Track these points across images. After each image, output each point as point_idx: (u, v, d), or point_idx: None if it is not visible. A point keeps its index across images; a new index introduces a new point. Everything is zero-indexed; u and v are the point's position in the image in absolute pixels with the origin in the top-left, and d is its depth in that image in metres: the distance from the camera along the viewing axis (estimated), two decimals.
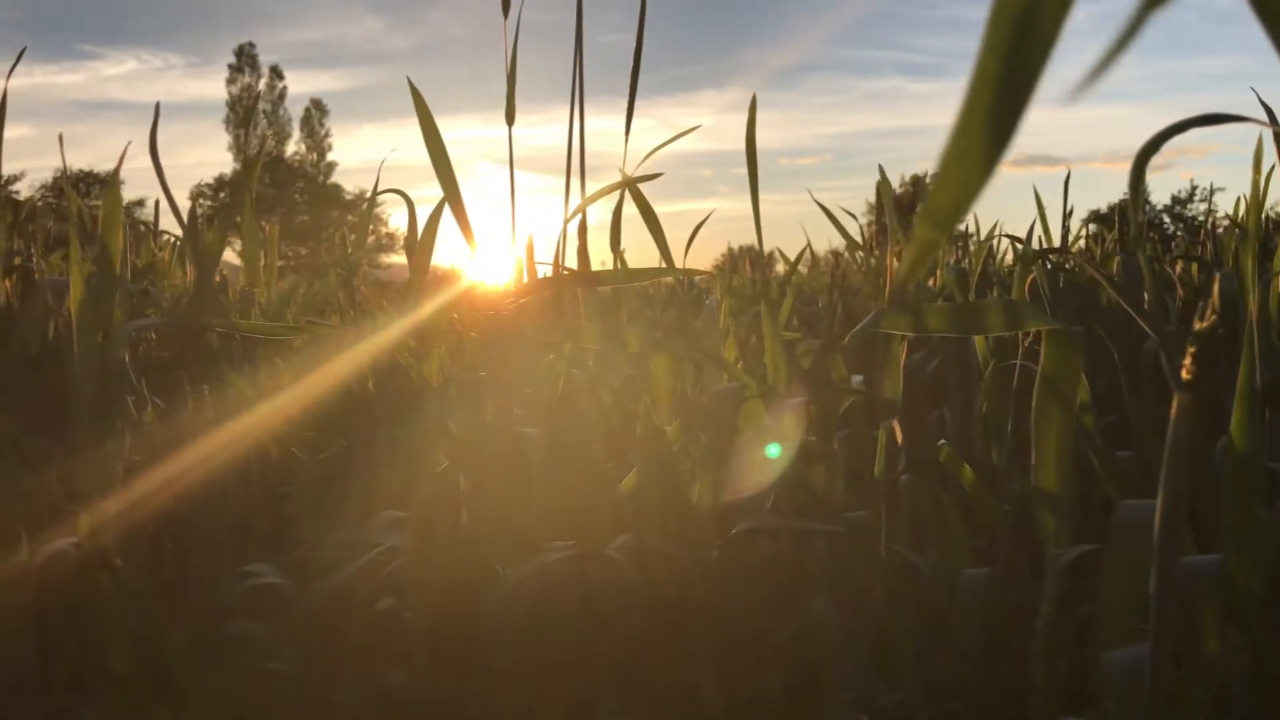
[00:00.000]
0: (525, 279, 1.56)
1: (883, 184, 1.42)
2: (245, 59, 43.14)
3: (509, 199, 1.59)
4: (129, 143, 1.17)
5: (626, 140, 1.52)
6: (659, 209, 1.65)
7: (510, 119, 1.54)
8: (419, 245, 1.69)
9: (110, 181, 1.05)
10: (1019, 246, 2.76)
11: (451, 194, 1.37)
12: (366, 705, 1.23)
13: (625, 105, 1.47)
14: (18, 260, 2.17)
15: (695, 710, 1.10)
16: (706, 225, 2.45)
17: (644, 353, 1.64)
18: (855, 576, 1.14)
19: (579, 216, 1.47)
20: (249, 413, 1.29)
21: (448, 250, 2.07)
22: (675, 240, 1.72)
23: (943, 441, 1.32)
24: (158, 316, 1.80)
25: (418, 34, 62.12)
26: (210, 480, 1.29)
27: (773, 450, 1.27)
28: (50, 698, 0.87)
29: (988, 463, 1.52)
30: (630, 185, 1.56)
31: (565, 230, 1.34)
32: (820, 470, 1.24)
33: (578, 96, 1.38)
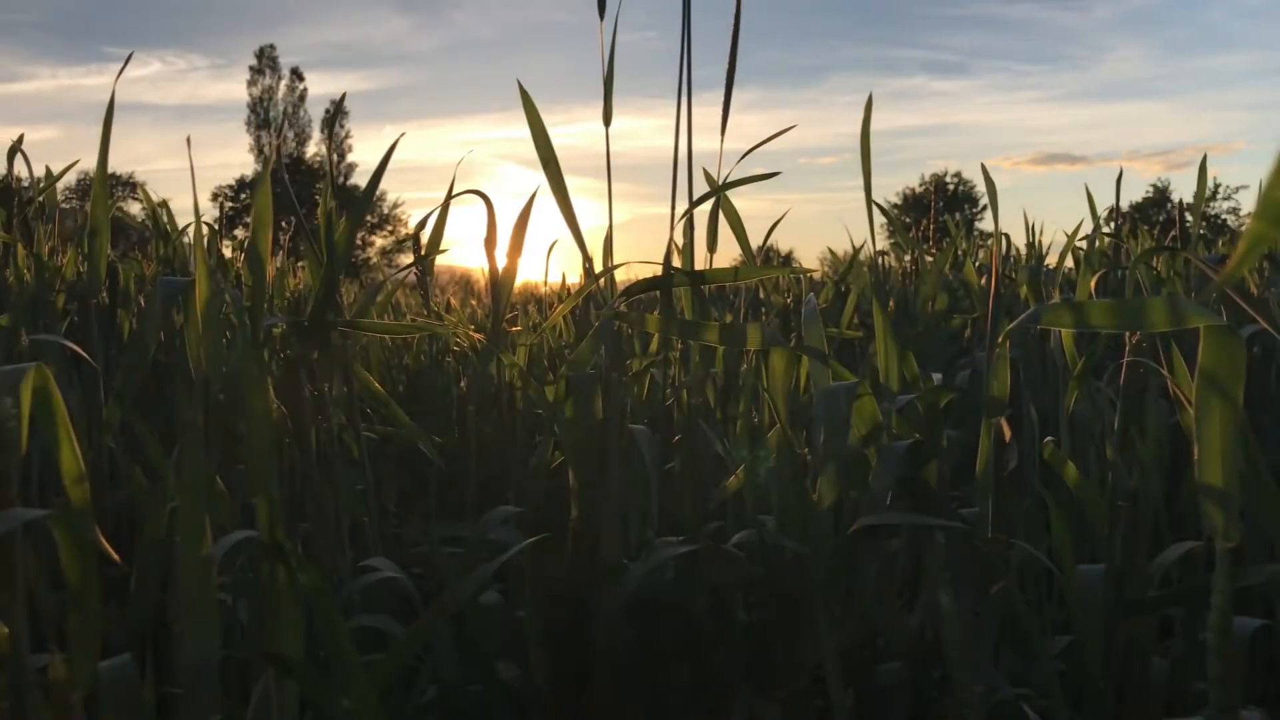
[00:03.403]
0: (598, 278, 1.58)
1: (989, 183, 1.43)
2: (266, 61, 43.45)
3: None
4: (277, 145, 1.20)
5: (722, 140, 1.53)
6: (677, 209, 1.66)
7: (607, 120, 1.56)
8: (510, 245, 1.72)
9: (260, 183, 1.08)
10: (1081, 247, 2.76)
11: (559, 192, 1.39)
12: (485, 697, 1.25)
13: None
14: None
15: (822, 703, 1.11)
16: (724, 226, 2.46)
17: (726, 350, 1.65)
18: (975, 571, 1.15)
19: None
20: (361, 409, 1.31)
21: (462, 251, 2.11)
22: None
23: (1049, 439, 1.33)
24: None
25: (442, 34, 62.36)
26: (328, 474, 1.32)
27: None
28: (229, 682, 0.89)
29: (1082, 459, 1.52)
30: (721, 191, 1.58)
31: (673, 230, 1.35)
32: (932, 466, 1.25)
33: (685, 101, 1.39)
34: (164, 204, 2.56)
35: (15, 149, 2.25)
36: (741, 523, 1.39)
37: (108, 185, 1.56)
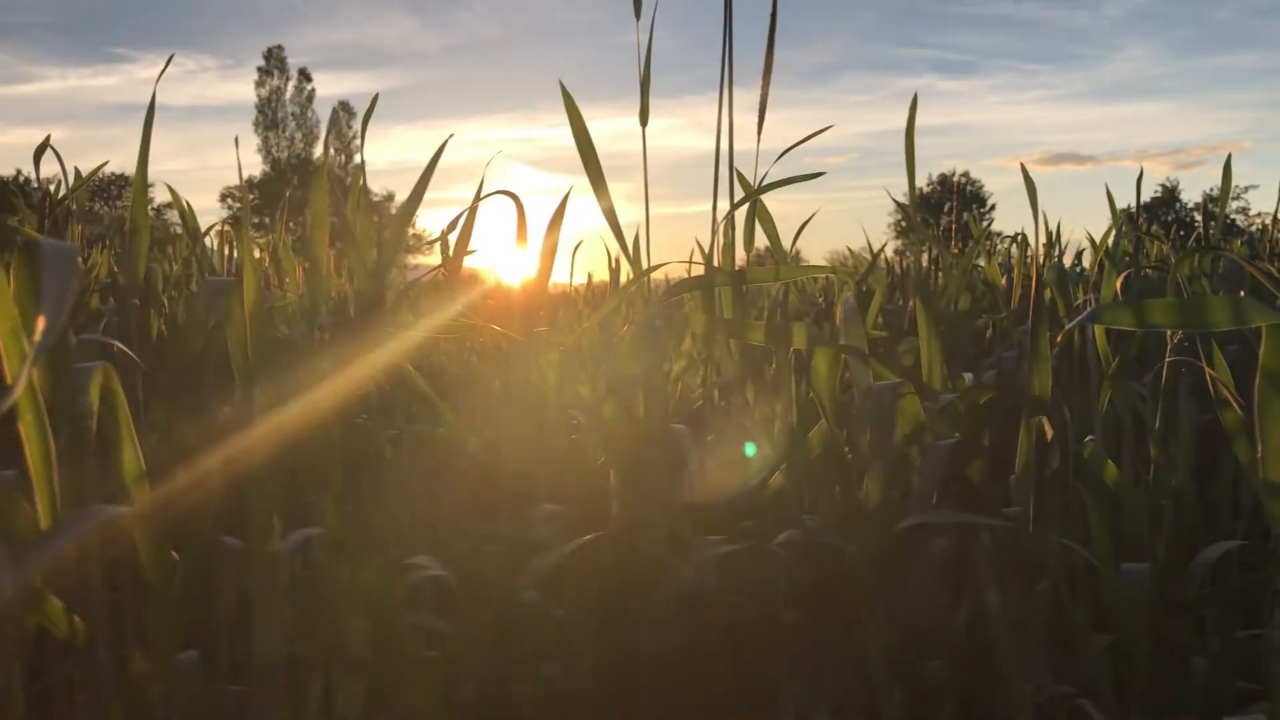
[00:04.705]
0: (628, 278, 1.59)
1: (1029, 183, 1.43)
2: (274, 61, 43.57)
3: (634, 202, 1.61)
4: (325, 148, 1.19)
5: (759, 141, 1.54)
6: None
7: (644, 119, 1.56)
8: (544, 245, 1.72)
9: (316, 177, 1.08)
10: (1104, 244, 2.76)
11: (600, 192, 1.40)
12: (531, 698, 1.25)
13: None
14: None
15: (870, 700, 1.12)
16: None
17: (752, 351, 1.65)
18: (1021, 569, 1.16)
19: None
20: (406, 409, 1.32)
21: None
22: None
23: (1090, 438, 1.33)
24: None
25: (449, 35, 62.51)
26: (372, 474, 1.32)
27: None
28: (296, 676, 0.90)
29: (1117, 458, 1.53)
30: (761, 194, 1.58)
31: (715, 230, 1.36)
32: (976, 465, 1.25)
33: (727, 102, 1.39)
34: (189, 205, 2.57)
35: (42, 150, 2.27)
36: (781, 521, 1.40)
37: (119, 185, 1.58)
